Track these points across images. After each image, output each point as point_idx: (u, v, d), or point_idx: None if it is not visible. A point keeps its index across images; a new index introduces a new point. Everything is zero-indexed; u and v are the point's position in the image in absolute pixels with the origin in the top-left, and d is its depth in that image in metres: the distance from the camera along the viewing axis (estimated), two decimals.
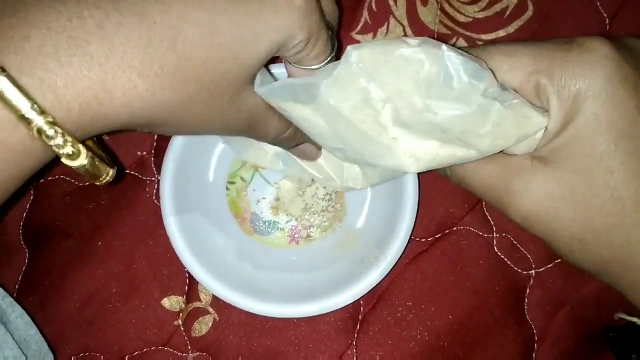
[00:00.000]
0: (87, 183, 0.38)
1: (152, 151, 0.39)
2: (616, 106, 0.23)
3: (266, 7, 0.23)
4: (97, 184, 0.23)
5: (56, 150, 0.20)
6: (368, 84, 0.26)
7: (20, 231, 0.38)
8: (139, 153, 0.39)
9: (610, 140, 0.23)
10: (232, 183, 0.37)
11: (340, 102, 0.27)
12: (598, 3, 0.39)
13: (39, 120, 0.20)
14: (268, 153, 0.36)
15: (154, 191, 0.38)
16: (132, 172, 0.39)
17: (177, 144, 0.35)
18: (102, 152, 0.25)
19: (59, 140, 0.20)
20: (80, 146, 0.21)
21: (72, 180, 0.38)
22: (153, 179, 0.38)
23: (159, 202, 0.35)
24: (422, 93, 0.26)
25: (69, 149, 0.21)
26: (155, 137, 0.39)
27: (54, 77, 0.20)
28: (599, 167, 0.24)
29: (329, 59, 0.27)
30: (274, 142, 0.31)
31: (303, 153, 0.34)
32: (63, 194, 0.38)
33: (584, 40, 0.24)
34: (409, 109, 0.27)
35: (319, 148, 0.34)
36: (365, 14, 0.39)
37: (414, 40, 0.25)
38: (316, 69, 0.27)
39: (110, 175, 0.24)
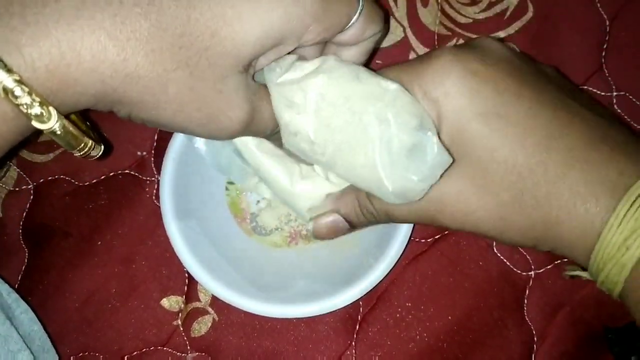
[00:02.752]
0: (87, 183, 0.38)
1: (152, 151, 0.39)
2: (475, 96, 0.25)
3: None
4: (77, 155, 0.23)
5: (24, 110, 0.20)
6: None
7: (20, 231, 0.38)
8: (138, 153, 0.39)
9: (482, 123, 0.25)
10: (232, 183, 0.37)
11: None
12: (598, 4, 0.39)
13: (4, 78, 0.19)
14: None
15: (154, 191, 0.38)
16: (132, 172, 0.39)
17: (177, 144, 0.34)
18: (88, 128, 0.25)
19: (26, 99, 0.20)
20: (52, 109, 0.21)
21: (72, 180, 0.39)
22: (153, 179, 0.38)
23: (158, 202, 0.35)
24: None
25: (37, 109, 0.20)
26: (156, 137, 0.39)
27: (20, 35, 0.20)
28: (484, 149, 0.25)
29: (356, 16, 0.26)
30: (270, 136, 0.29)
31: None
32: (63, 194, 0.38)
33: (432, 53, 0.27)
34: None
35: None
36: None
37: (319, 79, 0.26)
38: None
39: (90, 147, 0.23)
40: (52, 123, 0.21)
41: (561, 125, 0.26)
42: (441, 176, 0.26)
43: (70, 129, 0.22)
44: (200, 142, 0.33)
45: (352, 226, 0.31)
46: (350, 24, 0.26)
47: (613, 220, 0.24)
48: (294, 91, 0.27)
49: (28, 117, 0.20)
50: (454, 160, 0.26)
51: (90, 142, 0.23)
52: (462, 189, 0.26)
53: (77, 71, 0.21)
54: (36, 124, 0.21)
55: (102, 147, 0.25)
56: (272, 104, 0.27)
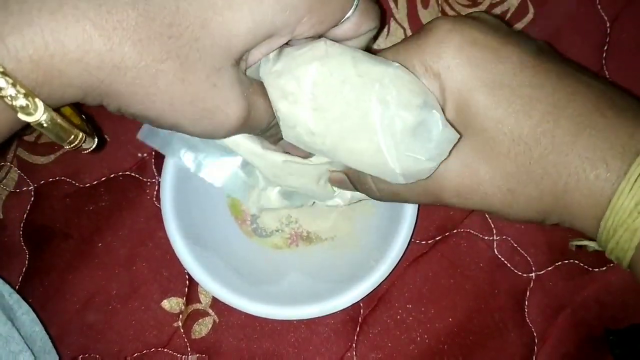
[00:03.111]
0: (88, 184, 0.38)
1: (153, 153, 0.39)
2: (476, 66, 0.25)
3: None
4: (68, 148, 0.23)
5: (9, 102, 0.20)
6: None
7: (21, 232, 0.38)
8: (139, 155, 0.39)
9: (486, 95, 0.25)
10: None
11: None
12: (599, 6, 0.39)
13: None
14: (271, 195, 0.34)
15: (155, 193, 0.38)
16: (133, 174, 0.39)
17: None
18: (83, 122, 0.25)
19: (10, 91, 0.19)
20: (38, 100, 0.20)
21: (73, 182, 0.39)
22: (154, 180, 0.39)
23: (159, 203, 0.35)
24: None
25: (22, 101, 0.20)
26: None
27: (3, 25, 0.19)
28: (490, 121, 0.25)
29: (351, 9, 0.25)
30: (264, 132, 0.28)
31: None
32: (64, 196, 0.38)
33: (428, 26, 0.26)
34: None
35: None
36: None
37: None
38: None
39: (80, 139, 0.23)
40: (39, 115, 0.20)
41: (567, 93, 0.25)
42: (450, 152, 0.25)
43: (59, 121, 0.21)
44: (205, 170, 0.33)
45: (357, 189, 0.31)
46: (345, 18, 0.26)
47: (624, 185, 0.23)
48: (288, 81, 0.25)
49: (14, 109, 0.20)
50: (460, 136, 0.25)
51: (81, 135, 0.23)
52: (468, 163, 0.26)
53: (61, 62, 0.20)
54: (22, 117, 0.20)
55: (96, 140, 0.24)
56: (269, 96, 0.26)
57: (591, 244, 0.29)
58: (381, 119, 0.25)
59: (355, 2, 0.26)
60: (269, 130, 0.28)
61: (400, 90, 0.25)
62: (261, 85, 0.26)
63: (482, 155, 0.25)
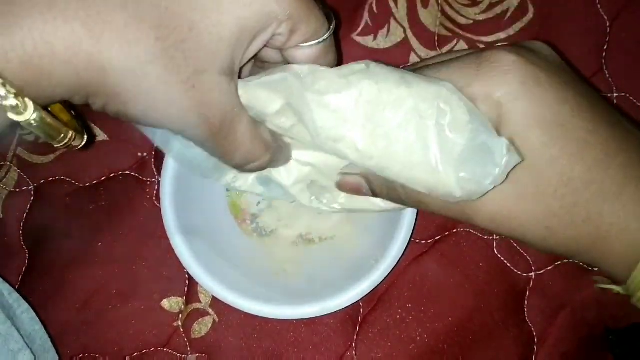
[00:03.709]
0: (88, 184, 0.38)
1: (153, 152, 0.39)
2: (537, 102, 0.25)
3: None
4: (57, 146, 0.23)
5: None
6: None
7: (21, 232, 0.38)
8: (139, 154, 0.39)
9: (544, 131, 0.25)
10: None
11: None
12: (599, 5, 0.39)
13: None
14: (248, 178, 0.33)
15: (155, 192, 0.38)
16: (133, 174, 0.39)
17: None
18: (72, 118, 0.25)
19: (0, 91, 0.20)
20: (28, 100, 0.20)
21: (73, 181, 0.39)
22: (154, 180, 0.39)
23: (159, 203, 0.35)
24: None
25: (12, 101, 0.20)
26: None
27: None
28: (543, 157, 0.25)
29: (327, 34, 0.25)
30: (239, 167, 0.28)
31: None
32: (64, 195, 0.38)
33: (490, 54, 0.26)
34: None
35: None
36: (366, 15, 0.39)
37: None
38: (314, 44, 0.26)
39: (70, 138, 0.23)
40: (29, 115, 0.21)
41: (617, 142, 0.26)
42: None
43: (48, 120, 0.22)
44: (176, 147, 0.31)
45: (375, 195, 0.30)
46: (315, 43, 0.26)
47: None
48: (335, 99, 0.25)
49: (4, 109, 0.20)
50: (522, 159, 0.25)
51: (70, 133, 0.23)
52: (511, 193, 0.26)
53: (50, 63, 0.20)
54: (12, 116, 0.20)
55: (85, 137, 0.24)
56: (309, 116, 0.26)
57: (616, 288, 0.29)
58: (439, 141, 0.25)
59: (329, 31, 0.26)
60: (244, 169, 0.28)
61: (454, 111, 0.25)
62: (251, 119, 0.26)
63: (527, 189, 0.26)
